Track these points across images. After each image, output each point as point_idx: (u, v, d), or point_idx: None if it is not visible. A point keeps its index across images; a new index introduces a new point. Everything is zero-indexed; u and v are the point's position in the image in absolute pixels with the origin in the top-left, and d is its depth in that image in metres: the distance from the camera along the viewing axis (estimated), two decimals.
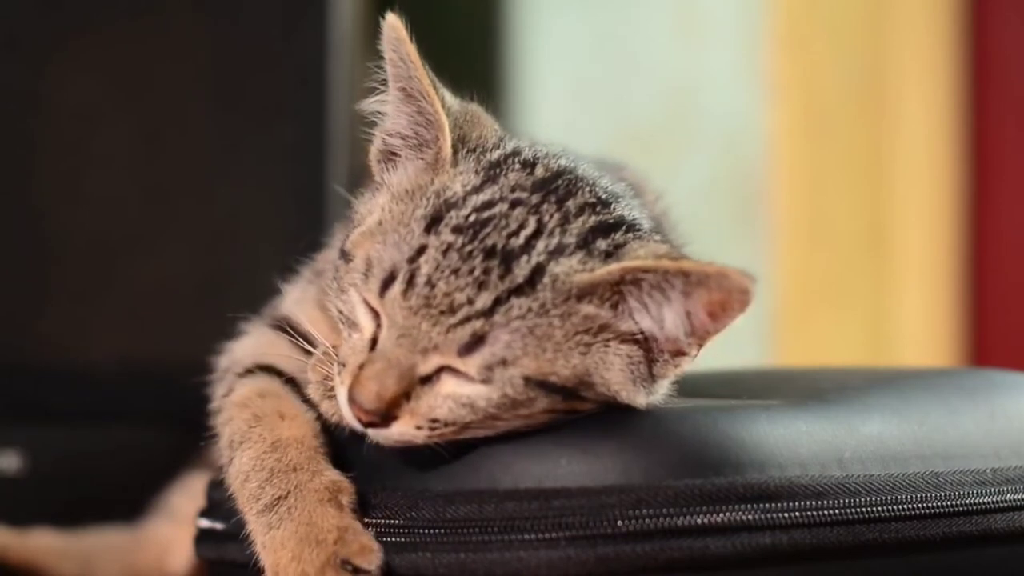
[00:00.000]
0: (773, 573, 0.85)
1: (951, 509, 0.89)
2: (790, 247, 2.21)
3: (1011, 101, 2.40)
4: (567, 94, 2.16)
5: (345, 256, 0.90)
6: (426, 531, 0.85)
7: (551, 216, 0.87)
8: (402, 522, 0.86)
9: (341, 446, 0.90)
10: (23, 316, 1.54)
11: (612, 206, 0.90)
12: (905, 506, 0.88)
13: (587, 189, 0.90)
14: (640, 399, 0.87)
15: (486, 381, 0.84)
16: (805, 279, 2.23)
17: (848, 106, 2.27)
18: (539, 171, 0.90)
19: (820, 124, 2.24)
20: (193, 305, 1.52)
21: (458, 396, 0.84)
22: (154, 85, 1.57)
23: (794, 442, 0.87)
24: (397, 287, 0.84)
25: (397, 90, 0.91)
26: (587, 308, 0.85)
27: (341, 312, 0.89)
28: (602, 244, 0.86)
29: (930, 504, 0.89)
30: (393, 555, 0.86)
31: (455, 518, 0.85)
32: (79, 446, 1.52)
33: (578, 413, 0.86)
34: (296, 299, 1.00)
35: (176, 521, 1.25)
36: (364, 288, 0.86)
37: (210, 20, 1.57)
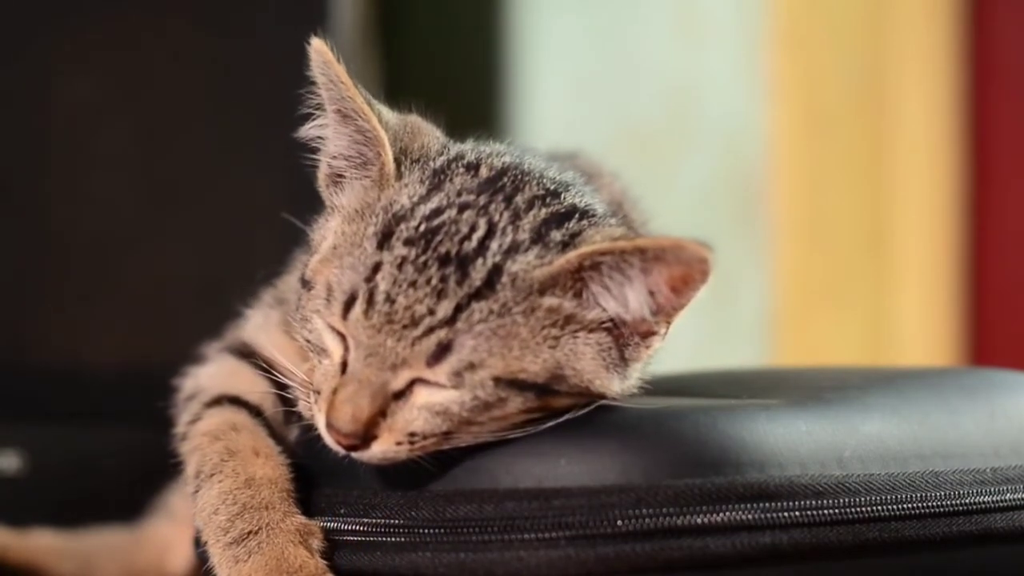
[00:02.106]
0: (773, 572, 0.85)
1: (951, 508, 0.89)
2: (790, 247, 2.21)
3: (1011, 101, 2.40)
4: (567, 94, 2.16)
5: (306, 284, 0.90)
6: (426, 531, 0.85)
7: (501, 215, 0.87)
8: (402, 522, 0.86)
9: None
10: (23, 316, 1.54)
11: (562, 195, 0.90)
12: (905, 505, 0.88)
13: (534, 182, 0.90)
14: (614, 385, 0.87)
15: (456, 386, 0.84)
16: (805, 279, 2.23)
17: (848, 106, 2.27)
18: (483, 171, 0.90)
19: (820, 124, 2.24)
20: (193, 305, 1.52)
21: (432, 405, 0.84)
22: (154, 85, 1.57)
23: (794, 441, 0.87)
24: (358, 307, 0.84)
25: (333, 112, 0.91)
26: (550, 301, 0.85)
27: (309, 341, 0.89)
28: (557, 235, 0.86)
29: (930, 503, 0.89)
30: (393, 555, 0.86)
31: (455, 518, 0.85)
32: (79, 446, 1.52)
33: (554, 411, 0.86)
34: (259, 325, 1.00)
35: (176, 521, 1.25)
36: (327, 313, 0.86)
37: (210, 20, 1.57)
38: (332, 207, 0.93)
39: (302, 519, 0.89)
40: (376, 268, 0.85)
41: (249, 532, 0.87)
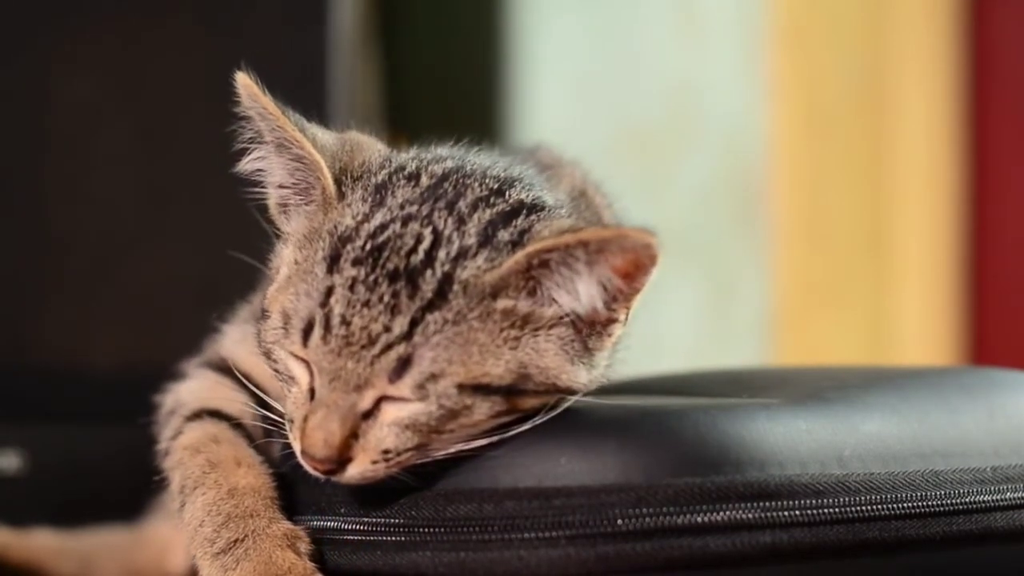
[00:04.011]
0: (773, 571, 0.85)
1: (951, 507, 0.89)
2: (790, 247, 2.21)
3: (1011, 101, 2.40)
4: (567, 94, 2.16)
5: (264, 314, 0.90)
6: (426, 530, 0.86)
7: (445, 222, 0.86)
8: (402, 521, 0.86)
9: None
10: (23, 316, 1.54)
11: (506, 193, 0.89)
12: (905, 504, 0.88)
13: (476, 184, 0.89)
14: (581, 377, 0.87)
15: (422, 399, 0.84)
16: (805, 279, 2.23)
17: (848, 106, 2.27)
18: (424, 180, 0.90)
19: (820, 124, 2.24)
20: (193, 305, 1.52)
21: (400, 420, 0.84)
22: (154, 85, 1.57)
23: (794, 440, 0.87)
24: (316, 333, 0.84)
25: (269, 143, 0.91)
26: (504, 303, 0.85)
27: (277, 371, 0.89)
28: (504, 235, 0.86)
29: (930, 502, 0.89)
30: (393, 554, 0.86)
31: (455, 517, 0.85)
32: (79, 446, 1.52)
33: (526, 412, 0.86)
34: (236, 340, 1.01)
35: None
36: (287, 343, 0.87)
37: (210, 20, 1.57)
38: (286, 235, 0.93)
39: (288, 525, 0.89)
40: (329, 292, 0.85)
41: (235, 541, 0.87)
